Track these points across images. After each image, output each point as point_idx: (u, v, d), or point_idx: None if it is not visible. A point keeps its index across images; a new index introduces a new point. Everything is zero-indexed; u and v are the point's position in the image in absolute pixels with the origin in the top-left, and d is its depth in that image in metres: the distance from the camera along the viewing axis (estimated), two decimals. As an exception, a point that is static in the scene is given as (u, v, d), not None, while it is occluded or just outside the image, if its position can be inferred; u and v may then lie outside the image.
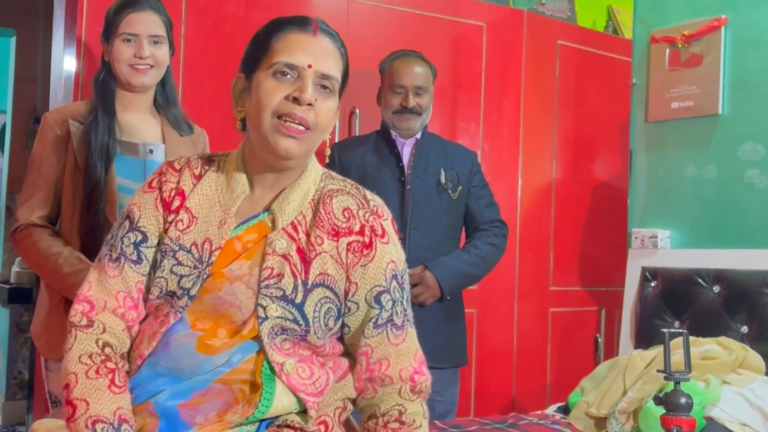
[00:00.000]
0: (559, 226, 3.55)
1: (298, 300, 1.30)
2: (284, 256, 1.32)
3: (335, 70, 1.34)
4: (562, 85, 3.57)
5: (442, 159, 2.65)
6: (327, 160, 2.53)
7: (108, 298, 1.33)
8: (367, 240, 1.36)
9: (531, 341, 3.44)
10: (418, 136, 2.65)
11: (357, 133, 3.01)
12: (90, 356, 1.28)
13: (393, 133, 2.63)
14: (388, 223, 1.41)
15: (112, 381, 1.27)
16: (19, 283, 4.50)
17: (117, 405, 1.25)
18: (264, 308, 1.29)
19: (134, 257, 1.34)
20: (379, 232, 1.38)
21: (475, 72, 3.33)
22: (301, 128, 1.30)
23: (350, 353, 1.42)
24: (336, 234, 1.35)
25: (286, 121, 1.29)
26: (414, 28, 3.19)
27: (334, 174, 1.45)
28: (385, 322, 1.37)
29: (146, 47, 2.03)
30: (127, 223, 1.37)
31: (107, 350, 1.30)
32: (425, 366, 1.40)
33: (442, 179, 2.62)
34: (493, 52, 3.37)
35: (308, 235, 1.35)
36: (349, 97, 3.01)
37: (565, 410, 2.43)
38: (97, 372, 1.27)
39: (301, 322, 1.30)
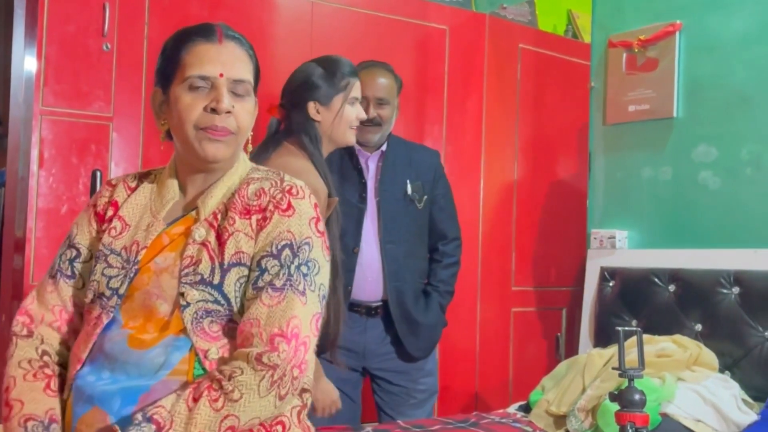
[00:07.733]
0: (521, 227, 3.59)
1: (216, 281, 1.32)
2: (203, 243, 1.35)
3: (246, 72, 1.39)
4: (523, 87, 3.61)
5: (407, 169, 2.64)
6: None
7: (45, 312, 1.43)
8: (269, 214, 1.36)
9: (493, 341, 3.48)
10: (384, 147, 2.61)
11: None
12: (29, 362, 1.38)
13: (357, 147, 2.56)
14: (302, 202, 1.38)
15: (48, 385, 1.36)
16: None
17: (50, 406, 1.33)
18: (183, 295, 1.31)
19: (68, 272, 1.44)
20: (284, 206, 1.36)
21: (438, 74, 3.36)
22: (225, 132, 1.36)
23: None
24: (248, 212, 1.37)
25: (208, 131, 1.35)
26: (378, 30, 3.20)
27: (261, 167, 1.48)
28: (266, 285, 1.31)
29: None
30: (67, 241, 1.46)
31: (45, 358, 1.40)
32: (298, 341, 1.27)
33: (409, 191, 2.62)
34: (455, 55, 3.40)
35: (225, 219, 1.37)
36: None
37: (527, 408, 2.46)
38: (34, 376, 1.37)
39: (223, 302, 1.32)
